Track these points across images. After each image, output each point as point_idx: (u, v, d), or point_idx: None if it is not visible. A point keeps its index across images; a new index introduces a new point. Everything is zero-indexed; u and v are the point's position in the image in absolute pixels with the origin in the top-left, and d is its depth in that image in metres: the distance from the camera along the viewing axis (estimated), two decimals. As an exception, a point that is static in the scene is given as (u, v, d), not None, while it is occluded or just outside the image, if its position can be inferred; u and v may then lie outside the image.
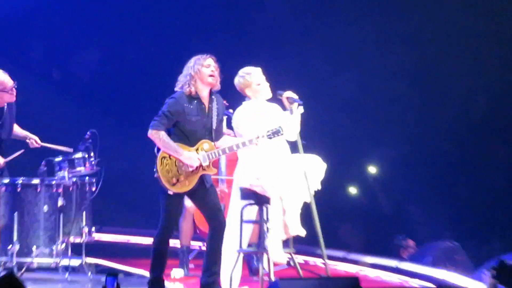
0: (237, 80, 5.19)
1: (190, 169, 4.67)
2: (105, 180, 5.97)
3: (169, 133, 4.72)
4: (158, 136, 4.64)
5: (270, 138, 4.79)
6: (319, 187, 5.04)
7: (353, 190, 8.42)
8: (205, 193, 4.77)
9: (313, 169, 4.98)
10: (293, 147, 5.09)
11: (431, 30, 7.93)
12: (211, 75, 4.78)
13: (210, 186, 4.83)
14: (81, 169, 5.92)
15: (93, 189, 6.03)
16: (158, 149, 4.70)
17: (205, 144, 4.75)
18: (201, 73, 4.76)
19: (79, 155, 5.90)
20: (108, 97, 8.20)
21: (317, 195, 5.00)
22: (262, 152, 5.03)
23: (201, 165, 4.70)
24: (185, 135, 4.71)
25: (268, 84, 5.21)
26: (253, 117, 5.05)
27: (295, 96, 5.10)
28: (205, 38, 7.79)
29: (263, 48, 7.88)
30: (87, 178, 6.04)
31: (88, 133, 5.97)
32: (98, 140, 5.93)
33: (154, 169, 4.67)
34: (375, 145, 8.17)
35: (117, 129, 7.65)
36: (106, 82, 8.26)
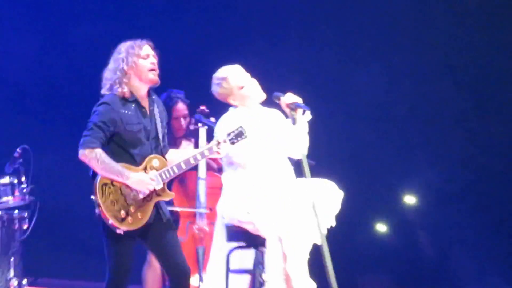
0: (213, 90, 5.32)
1: (142, 196, 4.67)
2: (41, 215, 5.97)
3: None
4: (94, 155, 4.62)
5: (234, 142, 4.83)
6: (334, 224, 5.05)
7: (381, 228, 8.41)
8: (162, 230, 4.78)
9: (325, 200, 5.00)
10: (298, 169, 5.07)
11: (488, 11, 7.92)
12: (152, 69, 4.80)
13: (168, 220, 4.83)
14: (8, 200, 5.96)
15: (25, 226, 6.01)
16: (95, 174, 4.68)
17: (154, 160, 4.77)
18: (138, 67, 4.77)
19: (5, 180, 5.92)
20: (46, 102, 8.18)
21: (332, 234, 5.00)
22: (255, 176, 5.08)
23: (154, 190, 4.70)
24: (127, 151, 4.72)
25: (256, 82, 5.26)
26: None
27: (299, 100, 5.11)
28: (178, 25, 7.79)
29: (258, 35, 7.89)
30: (16, 211, 6.02)
31: (18, 150, 5.98)
32: (32, 160, 5.93)
33: (92, 199, 4.65)
34: (413, 166, 8.14)
35: (57, 145, 7.60)
36: (44, 82, 8.25)
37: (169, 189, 4.85)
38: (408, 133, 8.15)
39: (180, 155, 4.86)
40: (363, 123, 8.06)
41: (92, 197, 4.65)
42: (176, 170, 4.77)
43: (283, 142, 5.21)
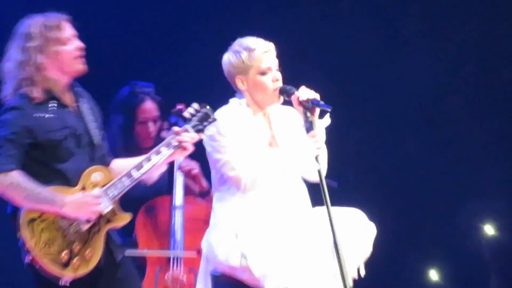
0: (227, 58, 5.28)
1: (87, 227, 4.65)
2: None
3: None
4: (10, 181, 4.63)
5: (200, 130, 4.85)
6: (363, 272, 5.04)
7: (434, 276, 8.42)
8: (117, 276, 4.81)
9: (352, 237, 5.00)
10: (316, 192, 5.06)
11: None
12: (78, 56, 4.81)
13: (124, 260, 4.85)
14: None
15: None
16: (15, 208, 4.65)
17: (94, 174, 4.79)
18: (61, 57, 4.77)
19: None
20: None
21: (361, 286, 4.98)
22: (255, 202, 5.09)
23: (101, 215, 4.70)
24: (53, 167, 4.72)
25: (280, 77, 5.25)
26: (243, 127, 5.13)
27: (316, 97, 5.10)
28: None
29: (261, 7, 7.95)
30: None
31: None
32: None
33: (19, 240, 4.58)
34: (478, 188, 8.20)
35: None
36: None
37: (133, 221, 4.94)
38: (472, 142, 8.22)
39: (124, 164, 4.87)
40: (407, 128, 8.17)
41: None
42: (127, 182, 4.76)
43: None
